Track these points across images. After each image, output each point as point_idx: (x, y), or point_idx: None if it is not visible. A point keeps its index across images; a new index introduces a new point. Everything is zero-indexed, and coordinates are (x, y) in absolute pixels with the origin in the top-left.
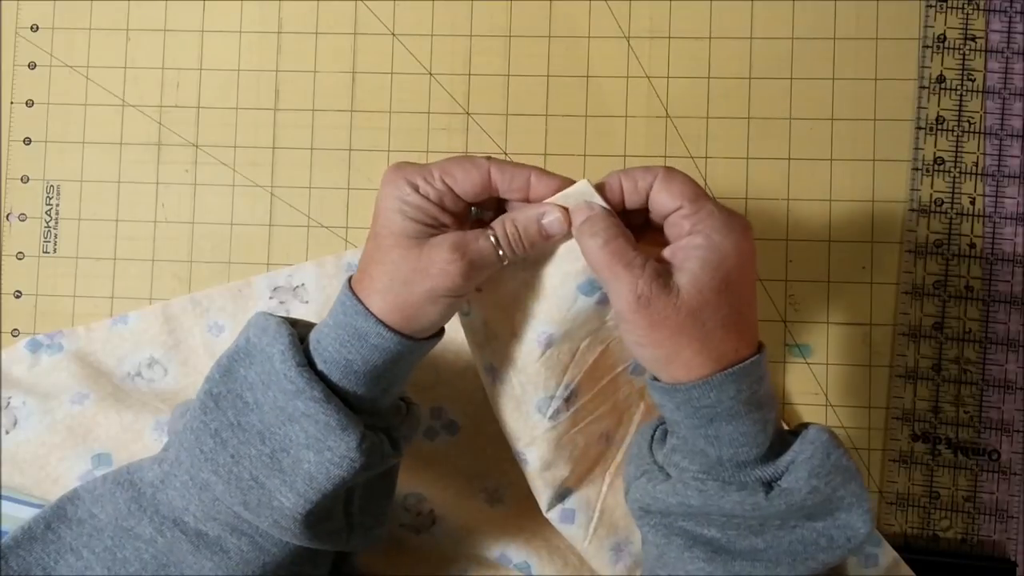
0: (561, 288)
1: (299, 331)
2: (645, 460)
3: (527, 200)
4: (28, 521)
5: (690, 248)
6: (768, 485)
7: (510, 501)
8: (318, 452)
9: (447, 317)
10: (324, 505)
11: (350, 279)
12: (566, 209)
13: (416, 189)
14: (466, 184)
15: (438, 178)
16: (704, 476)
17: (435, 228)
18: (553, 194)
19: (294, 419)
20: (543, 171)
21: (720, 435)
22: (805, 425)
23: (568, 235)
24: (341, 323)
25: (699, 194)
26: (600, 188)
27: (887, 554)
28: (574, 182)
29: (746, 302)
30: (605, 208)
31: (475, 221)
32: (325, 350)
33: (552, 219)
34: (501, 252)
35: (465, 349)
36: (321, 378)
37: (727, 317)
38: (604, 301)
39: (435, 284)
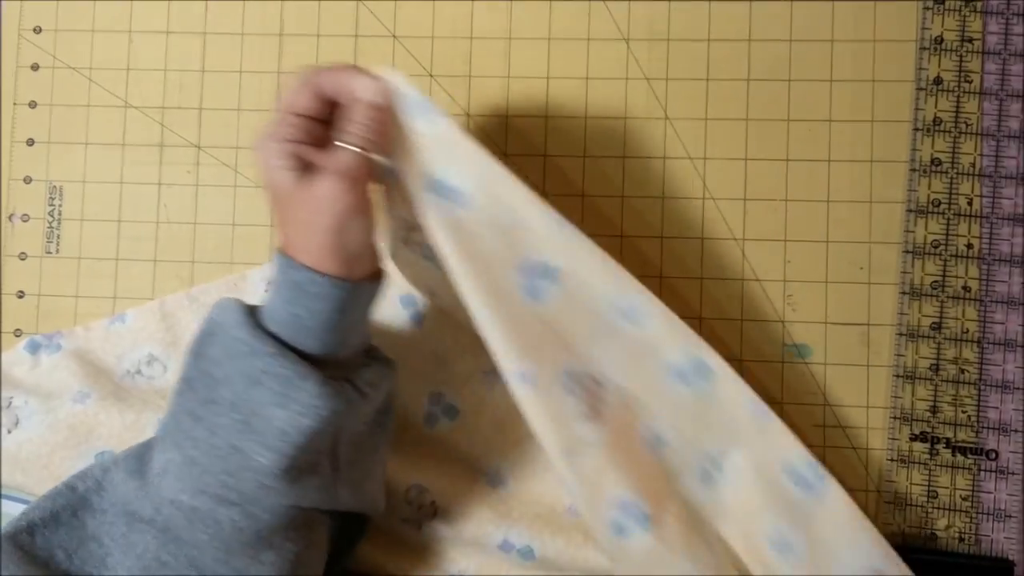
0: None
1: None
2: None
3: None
4: (52, 504)
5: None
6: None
7: (512, 482)
8: (284, 407)
9: (366, 243)
10: (305, 459)
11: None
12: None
13: (279, 139)
14: (305, 101)
15: (288, 117)
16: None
17: (311, 167)
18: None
19: (257, 381)
20: (357, 68)
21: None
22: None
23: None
24: (281, 283)
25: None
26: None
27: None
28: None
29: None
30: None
31: None
32: (275, 312)
33: (363, 85)
34: (362, 148)
35: (461, 332)
36: (276, 339)
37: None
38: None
39: (332, 211)
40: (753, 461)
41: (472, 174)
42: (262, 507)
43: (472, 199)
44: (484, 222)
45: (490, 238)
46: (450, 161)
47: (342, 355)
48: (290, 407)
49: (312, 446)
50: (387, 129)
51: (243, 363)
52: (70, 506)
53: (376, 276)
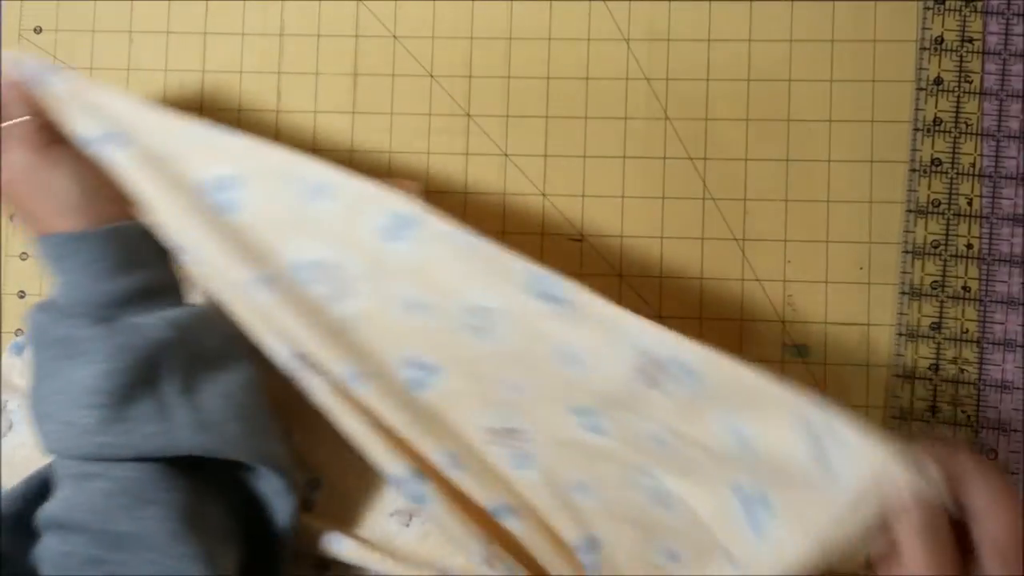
0: None
1: None
2: None
3: None
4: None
5: None
6: None
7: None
8: (77, 364)
9: (81, 192)
10: (120, 393)
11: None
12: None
13: None
14: None
15: None
16: None
17: None
18: None
19: (58, 352)
20: None
21: None
22: None
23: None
24: (41, 258)
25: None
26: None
27: None
28: None
29: None
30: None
31: None
32: (56, 289)
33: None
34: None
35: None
36: (59, 311)
37: None
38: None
39: (12, 178)
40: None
41: (110, 116)
42: (125, 469)
43: (120, 136)
44: (146, 156)
45: (161, 169)
46: (88, 113)
47: (129, 296)
48: (78, 360)
49: (123, 383)
50: (21, 97)
51: (40, 345)
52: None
53: (127, 216)
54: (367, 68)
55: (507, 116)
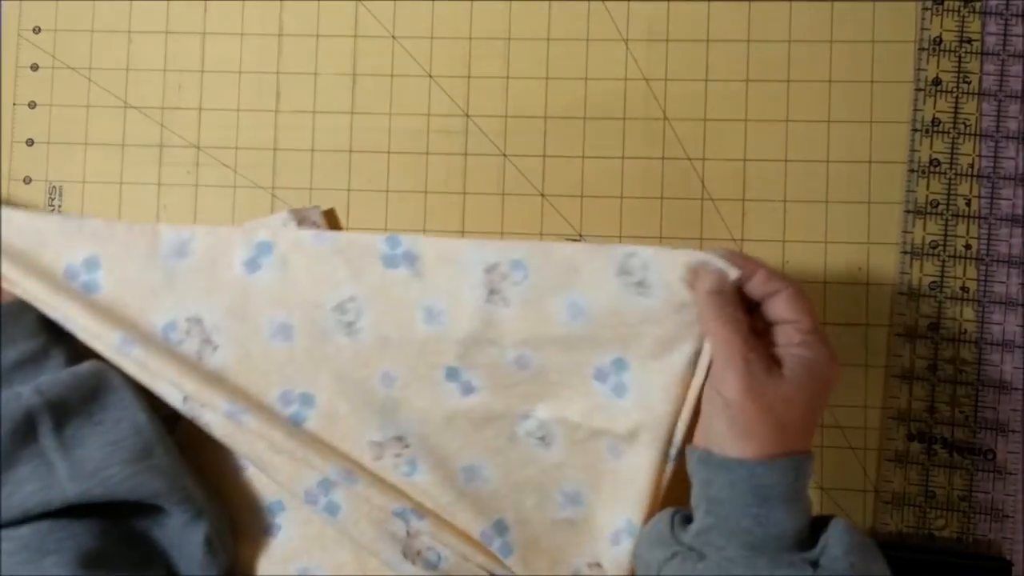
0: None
1: None
2: (670, 543)
3: None
4: None
5: (799, 354)
6: (814, 564)
7: None
8: None
9: None
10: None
11: None
12: None
13: None
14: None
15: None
16: (751, 554)
17: None
18: None
19: None
20: None
21: (771, 515)
22: (820, 517)
23: None
24: None
25: (816, 318)
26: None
27: None
28: None
29: (817, 413)
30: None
31: None
32: None
33: None
34: None
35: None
36: None
37: (804, 416)
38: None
39: None
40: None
41: None
42: (18, 529)
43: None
44: (9, 252)
45: (25, 262)
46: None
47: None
48: None
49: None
50: None
51: None
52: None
53: None
54: (366, 68)
55: (506, 116)
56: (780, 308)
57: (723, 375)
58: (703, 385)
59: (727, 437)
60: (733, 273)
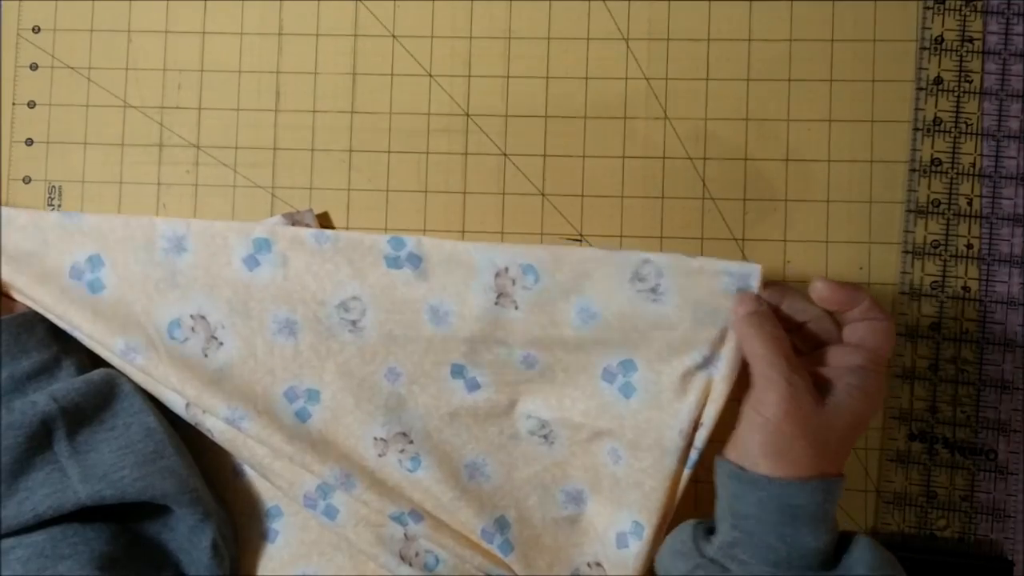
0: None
1: None
2: (693, 555)
3: None
4: None
5: (851, 382)
6: None
7: None
8: None
9: None
10: (9, 469)
11: None
12: None
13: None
14: None
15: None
16: (775, 571)
17: None
18: None
19: None
20: None
21: (797, 535)
22: (843, 533)
23: None
24: None
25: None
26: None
27: None
28: None
29: (854, 439)
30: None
31: None
32: None
33: None
34: None
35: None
36: None
37: (841, 441)
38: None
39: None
40: None
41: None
42: (31, 536)
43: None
44: (11, 255)
45: (28, 264)
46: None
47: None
48: None
49: (12, 459)
50: None
51: None
52: None
53: None
54: (366, 68)
55: (506, 116)
56: (866, 333)
57: (763, 395)
58: (727, 393)
59: (760, 454)
60: (755, 282)
